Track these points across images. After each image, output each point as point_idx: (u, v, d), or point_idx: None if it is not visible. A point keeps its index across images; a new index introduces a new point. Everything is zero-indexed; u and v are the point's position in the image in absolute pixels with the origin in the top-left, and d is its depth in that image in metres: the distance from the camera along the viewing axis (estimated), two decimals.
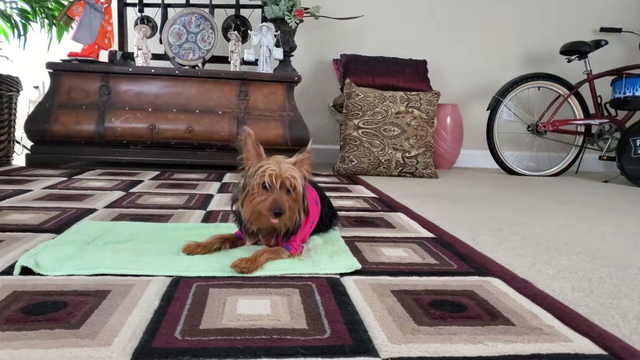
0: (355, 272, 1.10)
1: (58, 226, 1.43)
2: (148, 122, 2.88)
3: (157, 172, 2.73)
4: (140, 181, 2.38)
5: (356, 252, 1.26)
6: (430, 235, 1.50)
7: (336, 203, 1.99)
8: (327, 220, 1.44)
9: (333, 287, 1.01)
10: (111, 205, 1.79)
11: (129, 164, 2.94)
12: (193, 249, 1.18)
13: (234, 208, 1.19)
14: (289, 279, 1.05)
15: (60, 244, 1.20)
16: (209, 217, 1.64)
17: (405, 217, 1.77)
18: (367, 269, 1.13)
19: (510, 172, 3.54)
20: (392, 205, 2.00)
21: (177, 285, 0.98)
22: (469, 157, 3.99)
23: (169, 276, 1.03)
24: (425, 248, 1.34)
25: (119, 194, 2.02)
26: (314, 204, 1.34)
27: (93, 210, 1.67)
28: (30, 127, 2.85)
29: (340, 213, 1.69)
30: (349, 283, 1.03)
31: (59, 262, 1.07)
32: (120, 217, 1.59)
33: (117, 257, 1.13)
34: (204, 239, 1.24)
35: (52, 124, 2.83)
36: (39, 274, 1.01)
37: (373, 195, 2.25)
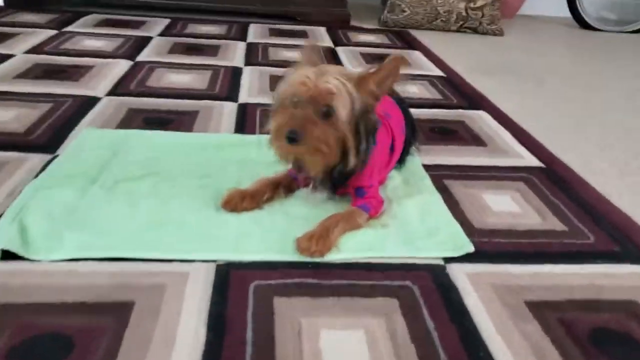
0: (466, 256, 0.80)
1: (50, 138, 1.08)
2: None
3: (167, 22, 2.23)
4: (148, 39, 1.92)
5: (453, 205, 0.93)
6: (536, 162, 1.15)
7: (397, 89, 1.59)
8: (408, 143, 1.07)
9: (443, 291, 0.71)
10: (117, 88, 1.40)
11: (132, 6, 2.39)
12: (237, 204, 0.85)
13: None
14: (377, 270, 0.75)
15: (54, 186, 0.88)
16: (243, 120, 1.27)
17: (490, 119, 1.39)
18: (479, 247, 0.81)
19: (586, 26, 2.94)
20: (467, 95, 1.59)
21: (227, 287, 0.69)
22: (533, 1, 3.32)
23: (212, 261, 0.74)
24: (538, 192, 1.01)
25: (124, 65, 1.60)
26: (399, 132, 0.96)
27: (94, 101, 1.30)
28: None
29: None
30: (463, 284, 0.73)
31: (55, 233, 0.76)
32: (130, 117, 1.22)
33: (136, 220, 0.81)
34: (244, 177, 0.91)
35: None
36: (27, 259, 0.71)
37: (439, 72, 1.81)
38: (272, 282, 0.70)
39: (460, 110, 1.45)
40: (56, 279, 0.68)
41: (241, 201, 0.86)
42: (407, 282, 0.72)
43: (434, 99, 1.54)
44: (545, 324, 0.67)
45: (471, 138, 1.26)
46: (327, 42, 2.12)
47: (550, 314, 0.68)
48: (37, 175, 0.91)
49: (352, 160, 0.80)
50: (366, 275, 0.74)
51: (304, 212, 0.87)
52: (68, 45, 1.76)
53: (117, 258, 0.72)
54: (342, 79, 0.77)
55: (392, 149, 0.93)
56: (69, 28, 1.99)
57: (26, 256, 0.71)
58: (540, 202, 0.97)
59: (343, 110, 0.76)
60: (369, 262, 0.76)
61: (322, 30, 2.32)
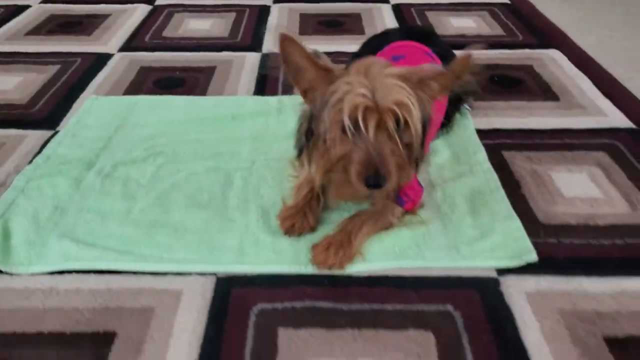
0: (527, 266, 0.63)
1: (52, 110, 0.98)
2: None
3: None
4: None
5: (512, 189, 0.75)
6: (624, 121, 0.91)
7: (450, 23, 1.34)
8: (455, 101, 0.87)
9: (494, 321, 0.56)
10: (130, 42, 1.26)
11: None
12: (303, 225, 0.67)
13: (303, 163, 0.66)
14: (410, 288, 0.60)
15: (46, 175, 0.78)
16: (265, 75, 1.10)
17: (566, 62, 1.13)
18: (545, 252, 0.64)
19: None
20: (538, 29, 1.31)
21: (225, 313, 0.57)
22: None
23: (212, 273, 0.62)
24: (625, 166, 0.79)
25: (142, 11, 1.45)
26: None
27: (106, 58, 1.17)
28: None
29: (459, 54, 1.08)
30: (521, 310, 0.57)
31: (39, 240, 0.66)
32: (141, 79, 1.09)
33: (129, 220, 0.70)
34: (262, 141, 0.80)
35: None
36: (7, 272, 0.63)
37: None
38: (279, 305, 0.58)
39: (528, 51, 1.20)
40: (34, 300, 0.59)
41: (304, 220, 0.68)
42: (448, 307, 0.57)
43: (494, 35, 1.28)
44: None
45: (540, 89, 1.03)
46: None
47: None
48: (31, 160, 0.82)
49: (413, 172, 0.64)
50: (396, 296, 0.59)
51: (328, 214, 0.71)
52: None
53: (103, 271, 0.62)
54: (404, 84, 0.57)
55: None
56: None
57: (5, 270, 0.63)
58: (628, 182, 0.76)
59: (419, 125, 0.58)
60: (400, 276, 0.62)
61: None
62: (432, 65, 0.62)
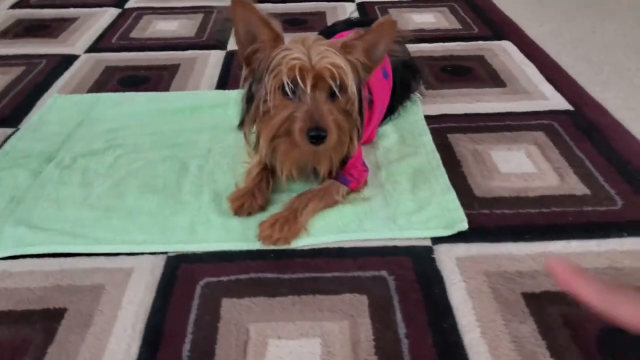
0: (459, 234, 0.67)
1: (14, 109, 1.00)
2: None
3: None
4: None
5: (453, 167, 0.79)
6: (563, 104, 0.97)
7: (411, 19, 1.39)
8: (404, 87, 0.92)
9: (424, 283, 0.60)
10: (97, 43, 1.29)
11: None
12: (251, 205, 0.71)
13: (245, 133, 0.69)
14: (350, 257, 0.64)
15: (5, 169, 0.81)
16: (227, 71, 1.14)
17: (515, 51, 1.18)
18: (477, 222, 0.69)
19: None
20: (493, 22, 1.36)
21: (172, 287, 0.61)
22: None
23: (163, 253, 0.66)
24: (560, 144, 0.84)
25: (111, 14, 1.48)
26: (381, 80, 0.81)
27: (72, 59, 1.20)
28: None
29: (414, 47, 1.13)
30: (450, 273, 0.61)
31: None
32: (106, 77, 1.12)
33: (86, 205, 0.73)
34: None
35: None
36: None
37: None
38: (225, 278, 0.61)
39: (481, 42, 1.25)
40: None
41: (252, 200, 0.71)
42: (383, 273, 0.62)
43: (451, 29, 1.33)
44: (544, 324, 0.55)
45: (488, 77, 1.08)
46: None
47: (552, 309, 0.56)
48: None
49: (355, 144, 0.68)
50: (336, 265, 0.63)
51: (278, 195, 0.75)
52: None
53: (58, 254, 0.65)
54: (334, 49, 0.62)
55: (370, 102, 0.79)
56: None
57: None
58: (560, 158, 0.81)
59: (354, 88, 0.63)
60: (341, 247, 0.66)
61: None
62: (354, 31, 0.67)
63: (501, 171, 0.79)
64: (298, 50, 0.61)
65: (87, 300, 0.59)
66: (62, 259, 0.65)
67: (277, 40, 0.64)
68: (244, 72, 0.67)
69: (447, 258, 0.63)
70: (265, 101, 0.63)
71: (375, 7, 1.49)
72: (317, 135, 0.60)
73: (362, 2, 1.53)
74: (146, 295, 0.59)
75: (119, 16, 1.47)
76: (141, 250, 0.66)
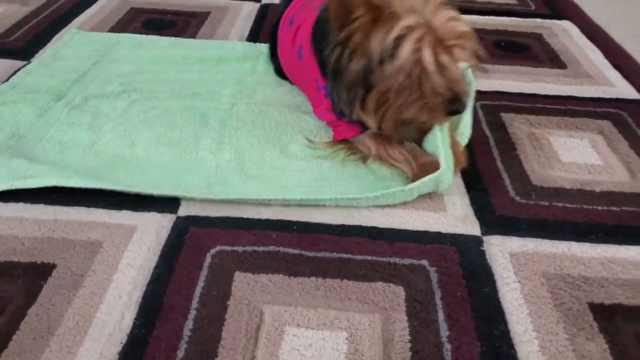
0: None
1: (29, 42, 0.92)
2: None
3: None
4: None
5: (508, 150, 0.69)
6: (631, 92, 0.85)
7: None
8: None
9: (472, 280, 0.51)
10: None
11: None
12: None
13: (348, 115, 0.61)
14: (385, 240, 0.55)
15: (10, 102, 0.73)
16: (260, 24, 1.04)
17: (577, 33, 1.06)
18: (533, 212, 0.59)
19: None
20: (554, 1, 1.23)
21: (179, 251, 0.53)
22: None
23: (172, 212, 0.57)
24: (629, 135, 0.73)
25: None
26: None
27: None
28: None
29: (467, 18, 1.02)
30: (503, 271, 0.52)
31: None
32: (131, 15, 1.03)
33: (92, 151, 0.65)
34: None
35: None
36: None
37: None
38: (240, 248, 0.53)
39: (539, 20, 1.12)
40: None
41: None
42: (423, 262, 0.53)
43: (505, 3, 1.21)
44: (617, 343, 0.46)
45: (547, 57, 0.97)
46: None
47: (627, 327, 0.47)
48: None
49: None
50: (368, 247, 0.54)
51: (303, 150, 0.67)
52: None
53: (53, 201, 0.58)
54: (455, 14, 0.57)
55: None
56: None
57: None
58: (630, 151, 0.71)
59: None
60: (375, 227, 0.57)
61: None
62: None
63: (562, 160, 0.69)
64: (423, 26, 0.54)
65: (79, 257, 0.51)
66: (57, 208, 0.57)
67: (380, 15, 0.54)
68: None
69: (499, 252, 0.54)
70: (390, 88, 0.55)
71: None
72: (458, 109, 0.57)
73: None
74: (148, 259, 0.51)
75: None
76: (150, 192, 0.58)
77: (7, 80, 0.79)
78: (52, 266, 0.50)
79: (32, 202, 0.58)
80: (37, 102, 0.74)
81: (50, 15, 1.02)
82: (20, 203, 0.57)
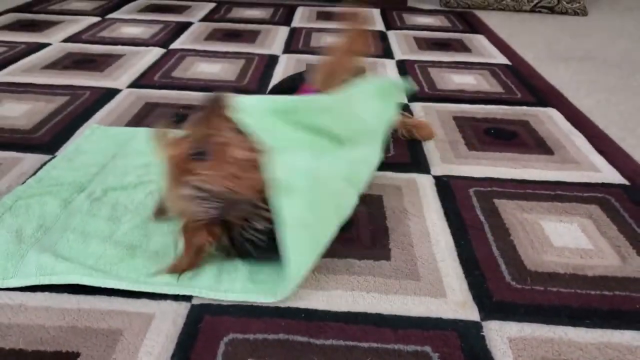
0: None
1: (54, 136, 1.00)
2: None
3: (212, 6, 2.12)
4: (189, 25, 1.83)
5: (502, 235, 0.74)
6: (617, 178, 0.91)
7: (451, 79, 1.38)
8: None
9: None
10: (140, 79, 1.31)
11: None
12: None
13: None
14: (389, 327, 0.58)
15: (36, 195, 0.79)
16: None
17: (562, 120, 1.15)
18: (529, 297, 0.62)
19: None
20: (536, 88, 1.34)
21: (194, 340, 0.56)
22: None
23: (186, 299, 0.61)
24: (617, 220, 0.78)
25: (155, 53, 1.51)
26: None
27: (114, 93, 1.21)
28: None
29: (455, 107, 1.11)
30: (502, 356, 0.54)
31: (17, 255, 0.66)
32: (145, 110, 1.12)
33: (111, 241, 0.69)
34: None
35: None
36: None
37: (504, 60, 1.56)
38: (251, 336, 0.56)
39: (525, 108, 1.22)
40: (1, 315, 0.58)
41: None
42: (426, 348, 0.55)
43: (493, 92, 1.31)
44: None
45: (535, 143, 1.04)
46: (380, 26, 1.92)
47: None
48: (24, 182, 0.83)
49: None
50: (374, 334, 0.57)
51: None
52: (105, 33, 1.70)
53: (77, 291, 0.61)
54: None
55: None
56: (113, 15, 1.94)
57: None
58: (619, 235, 0.75)
59: None
60: (379, 314, 0.60)
61: (376, 12, 2.12)
62: None
63: (554, 244, 0.73)
64: None
65: (102, 346, 0.54)
66: (80, 297, 0.60)
67: None
68: None
69: (499, 337, 0.57)
70: None
71: (415, 66, 1.49)
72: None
73: (403, 60, 1.53)
74: (165, 348, 0.54)
75: (163, 56, 1.50)
76: (164, 292, 0.61)
77: (34, 174, 0.86)
78: (76, 355, 0.53)
79: (57, 292, 0.61)
80: (61, 195, 0.79)
81: (73, 112, 1.11)
82: (47, 292, 0.61)
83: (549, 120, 1.15)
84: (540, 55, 1.64)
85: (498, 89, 1.34)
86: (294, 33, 1.79)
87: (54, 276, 0.63)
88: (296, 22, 1.94)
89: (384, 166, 0.87)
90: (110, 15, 1.93)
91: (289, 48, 1.62)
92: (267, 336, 0.56)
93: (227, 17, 1.97)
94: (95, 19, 1.87)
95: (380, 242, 0.72)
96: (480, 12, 2.19)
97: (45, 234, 0.70)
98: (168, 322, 0.57)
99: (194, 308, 0.60)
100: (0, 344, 0.54)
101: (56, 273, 0.63)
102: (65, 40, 1.61)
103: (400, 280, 0.65)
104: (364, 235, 0.74)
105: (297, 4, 2.18)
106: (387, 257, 0.69)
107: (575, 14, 2.22)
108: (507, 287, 0.65)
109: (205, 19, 1.94)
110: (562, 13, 2.23)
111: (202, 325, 0.57)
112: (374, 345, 0.56)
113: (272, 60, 1.50)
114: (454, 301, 0.62)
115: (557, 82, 1.39)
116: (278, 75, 1.37)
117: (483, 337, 0.57)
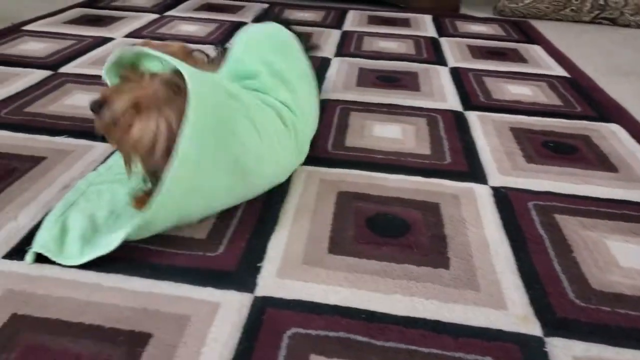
0: None
1: None
2: None
3: (265, 6, 2.17)
4: (242, 25, 1.87)
5: (564, 252, 0.72)
6: None
7: (507, 89, 1.36)
8: None
9: None
10: None
11: None
12: None
13: None
14: (448, 334, 0.58)
15: (107, 182, 0.83)
16: (321, 118, 1.14)
17: (627, 137, 1.11)
18: (596, 317, 0.60)
19: None
20: (597, 102, 1.30)
21: (258, 331, 0.57)
22: None
23: (249, 292, 0.63)
24: None
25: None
26: None
27: None
28: None
29: (511, 118, 1.09)
30: None
31: (91, 236, 0.70)
32: None
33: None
34: None
35: None
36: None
37: (562, 72, 1.52)
38: (312, 332, 0.57)
39: (586, 122, 1.18)
40: (80, 293, 0.61)
41: None
42: (488, 359, 0.55)
43: (551, 105, 1.28)
44: None
45: (597, 159, 1.01)
46: (431, 32, 1.91)
47: None
48: (95, 168, 0.87)
49: None
50: (433, 340, 0.57)
51: None
52: (164, 30, 1.76)
53: (147, 275, 0.64)
54: None
55: None
56: (170, 12, 2.01)
57: (57, 261, 0.66)
58: None
59: None
60: (438, 321, 0.60)
61: (427, 18, 2.11)
62: None
63: (620, 265, 0.71)
64: None
65: (172, 329, 0.56)
66: (149, 281, 0.63)
67: None
68: None
69: (563, 355, 0.56)
70: None
71: (470, 74, 1.47)
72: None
73: (457, 67, 1.52)
74: (231, 336, 0.56)
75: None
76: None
77: (103, 161, 0.90)
78: (149, 335, 0.56)
79: (129, 274, 0.64)
80: (130, 184, 0.83)
81: None
82: (120, 274, 0.64)
83: (612, 136, 1.11)
84: (601, 69, 1.58)
85: (556, 101, 1.31)
86: (345, 36, 1.80)
87: (114, 242, 0.66)
88: (347, 25, 1.95)
89: (440, 174, 0.87)
90: (168, 13, 2.00)
91: (340, 51, 1.63)
92: (328, 333, 0.57)
93: (280, 18, 2.01)
94: (154, 16, 1.94)
95: (438, 250, 0.72)
96: (537, 22, 2.14)
97: (115, 221, 0.74)
98: (233, 311, 0.59)
99: (256, 300, 0.62)
100: (80, 318, 0.58)
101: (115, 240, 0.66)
102: (128, 36, 1.68)
103: (459, 289, 0.65)
104: (421, 242, 0.74)
105: (348, 8, 2.20)
106: (446, 266, 0.69)
107: (638, 26, 2.15)
108: (570, 304, 0.63)
109: (257, 19, 1.97)
110: (624, 25, 2.16)
111: (265, 317, 0.59)
112: (434, 351, 0.56)
113: (324, 63, 1.51)
114: (515, 314, 0.62)
115: (618, 97, 1.35)
116: (330, 79, 1.39)
117: (546, 354, 0.56)
